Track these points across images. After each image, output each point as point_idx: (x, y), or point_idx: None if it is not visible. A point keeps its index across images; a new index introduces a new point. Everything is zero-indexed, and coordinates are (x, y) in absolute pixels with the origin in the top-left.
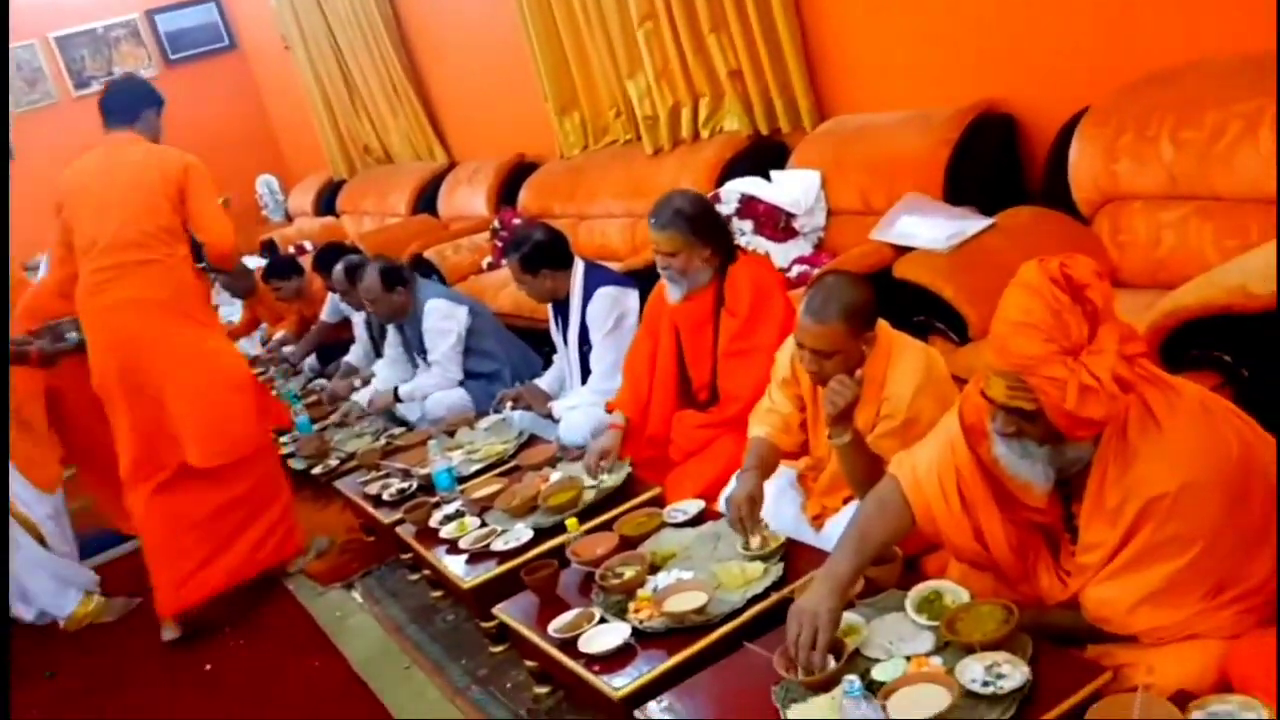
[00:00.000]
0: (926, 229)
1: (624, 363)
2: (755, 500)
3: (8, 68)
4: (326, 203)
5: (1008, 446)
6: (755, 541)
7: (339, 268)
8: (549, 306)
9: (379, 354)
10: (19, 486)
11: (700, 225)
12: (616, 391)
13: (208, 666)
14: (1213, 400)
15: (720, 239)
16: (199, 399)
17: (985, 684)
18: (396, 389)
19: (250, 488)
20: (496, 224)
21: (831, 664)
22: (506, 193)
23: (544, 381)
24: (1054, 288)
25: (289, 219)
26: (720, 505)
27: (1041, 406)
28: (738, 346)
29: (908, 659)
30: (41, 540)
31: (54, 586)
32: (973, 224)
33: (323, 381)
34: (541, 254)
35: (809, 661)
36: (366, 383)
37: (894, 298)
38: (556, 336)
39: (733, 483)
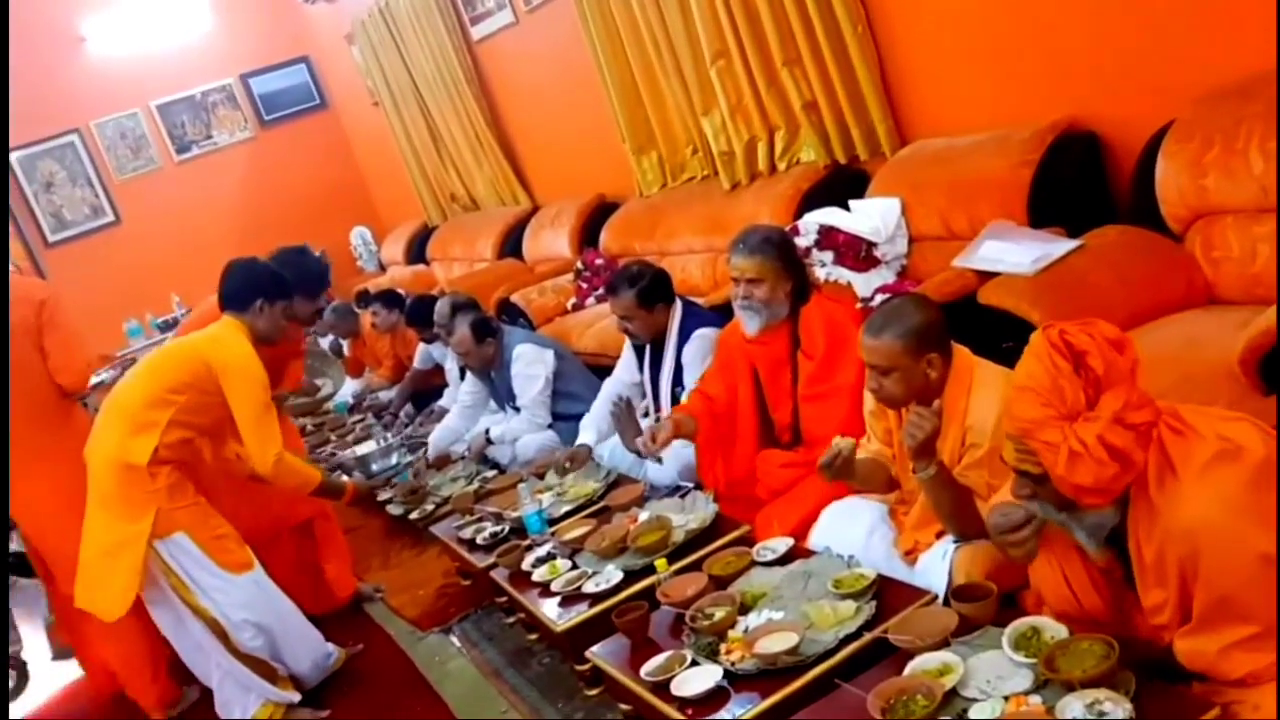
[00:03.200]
0: (1011, 253)
1: (697, 384)
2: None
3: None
4: (417, 251)
5: (1042, 510)
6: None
7: (443, 304)
8: (627, 345)
9: None
10: (199, 572)
11: (786, 255)
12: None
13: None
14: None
15: (800, 275)
16: None
17: None
18: (488, 431)
19: None
20: (580, 265)
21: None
22: (588, 234)
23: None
24: (1054, 354)
25: (382, 269)
26: None
27: (1046, 471)
28: (817, 390)
29: (1006, 699)
30: (224, 635)
31: (232, 689)
32: (1059, 246)
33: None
34: (658, 287)
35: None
36: None
37: (980, 324)
38: (638, 375)
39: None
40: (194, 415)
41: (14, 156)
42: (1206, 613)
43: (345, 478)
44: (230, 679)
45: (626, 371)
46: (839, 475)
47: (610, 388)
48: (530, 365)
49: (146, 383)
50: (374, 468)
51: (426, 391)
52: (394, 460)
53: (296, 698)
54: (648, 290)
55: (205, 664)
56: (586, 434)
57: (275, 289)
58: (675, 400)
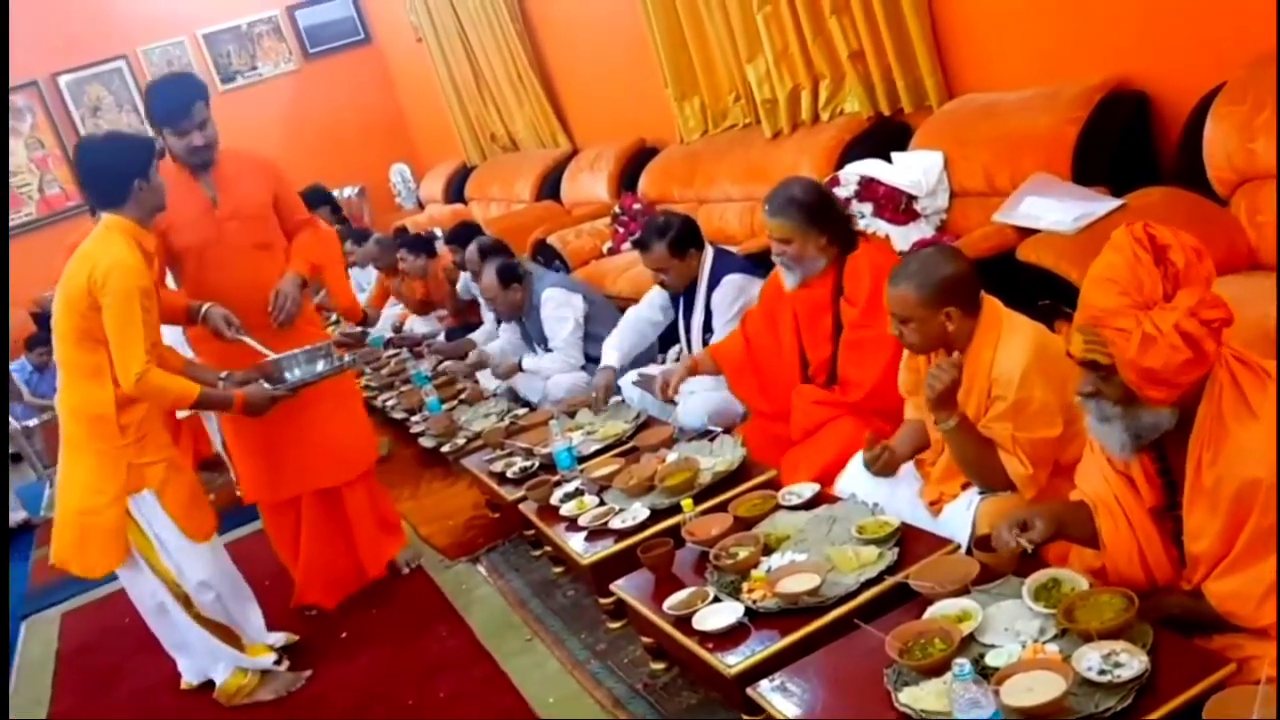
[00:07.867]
0: (1052, 210)
1: (737, 324)
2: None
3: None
4: (456, 190)
5: (1090, 410)
6: None
7: (471, 249)
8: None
9: None
10: (164, 532)
11: (815, 213)
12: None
13: (344, 634)
14: None
15: (837, 227)
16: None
17: (1102, 672)
18: (521, 360)
19: None
20: (617, 209)
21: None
22: (627, 178)
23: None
24: (1136, 245)
25: (421, 206)
26: None
27: (1114, 361)
28: (857, 336)
29: (1023, 646)
30: (185, 599)
31: (200, 656)
32: (1101, 205)
33: (449, 365)
34: (688, 235)
35: (1009, 536)
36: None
37: (1018, 281)
38: (660, 317)
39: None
40: None
41: (63, 80)
42: (1256, 537)
43: (266, 385)
44: (197, 647)
45: (649, 309)
46: (884, 470)
47: (632, 314)
48: (559, 308)
49: (65, 327)
50: (294, 374)
51: (461, 328)
52: (319, 367)
53: (270, 661)
54: (678, 239)
55: (169, 630)
56: (609, 356)
57: (127, 164)
58: (706, 345)
